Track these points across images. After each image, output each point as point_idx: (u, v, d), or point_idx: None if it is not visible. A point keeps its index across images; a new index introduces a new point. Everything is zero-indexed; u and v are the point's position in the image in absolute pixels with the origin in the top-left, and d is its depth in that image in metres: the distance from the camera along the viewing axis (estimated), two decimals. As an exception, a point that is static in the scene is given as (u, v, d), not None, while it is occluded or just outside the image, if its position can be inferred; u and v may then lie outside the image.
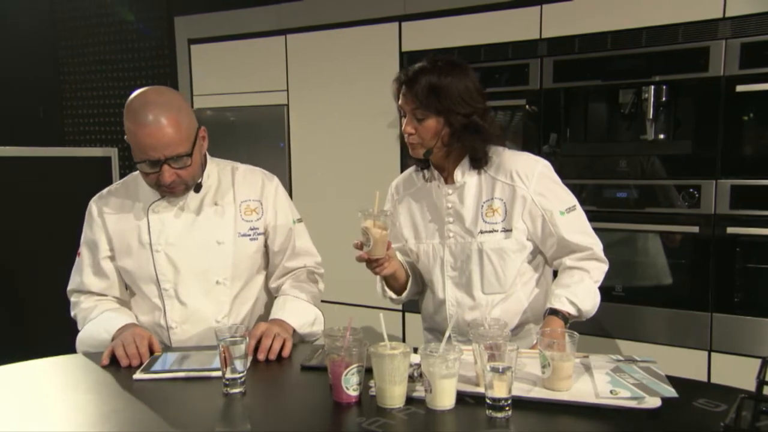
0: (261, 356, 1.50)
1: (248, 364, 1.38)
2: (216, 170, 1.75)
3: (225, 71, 3.33)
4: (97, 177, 3.20)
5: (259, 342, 1.53)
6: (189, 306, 1.68)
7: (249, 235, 1.72)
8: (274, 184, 1.80)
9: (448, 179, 1.69)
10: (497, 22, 2.69)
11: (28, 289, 2.94)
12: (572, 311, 1.56)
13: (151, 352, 1.54)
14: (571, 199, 1.65)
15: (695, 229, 2.37)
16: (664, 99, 2.44)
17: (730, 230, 2.31)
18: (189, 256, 1.67)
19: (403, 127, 1.63)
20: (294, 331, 1.64)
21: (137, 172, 1.70)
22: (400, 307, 2.99)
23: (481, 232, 1.64)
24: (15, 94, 4.01)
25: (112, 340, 1.58)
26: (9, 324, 2.84)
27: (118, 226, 1.71)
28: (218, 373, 1.35)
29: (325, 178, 3.11)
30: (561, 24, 2.56)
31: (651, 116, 2.45)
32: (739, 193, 2.30)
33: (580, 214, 1.66)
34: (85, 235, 1.76)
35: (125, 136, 1.58)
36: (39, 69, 4.24)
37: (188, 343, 1.68)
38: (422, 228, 1.74)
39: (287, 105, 3.24)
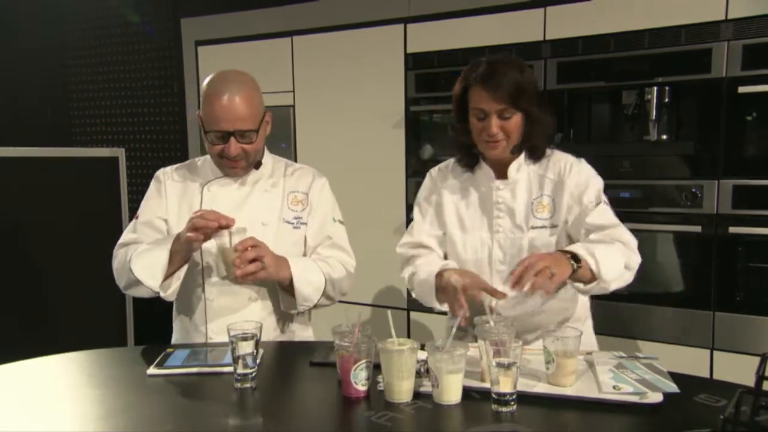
0: (237, 265, 1.56)
1: (259, 359, 1.41)
2: (271, 161, 1.84)
3: None
4: (105, 177, 3.23)
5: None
6: (227, 282, 1.72)
7: (292, 223, 1.78)
8: (322, 181, 1.87)
9: (500, 175, 1.68)
10: (501, 23, 2.72)
11: (36, 288, 2.98)
12: (586, 257, 1.46)
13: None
14: (605, 197, 1.64)
15: (698, 228, 2.39)
16: (666, 100, 2.46)
17: (732, 230, 2.33)
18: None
19: (490, 129, 1.57)
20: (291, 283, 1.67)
21: (198, 158, 1.85)
22: (405, 305, 3.02)
23: (532, 227, 1.64)
24: (22, 95, 4.04)
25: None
26: (18, 323, 2.87)
27: (176, 200, 1.78)
28: (230, 369, 1.38)
29: (330, 179, 3.13)
30: (564, 26, 2.59)
31: (654, 117, 2.47)
32: (741, 193, 2.32)
33: (610, 210, 1.63)
34: (147, 198, 1.81)
35: (198, 112, 1.70)
36: (46, 70, 4.28)
37: (223, 319, 1.71)
38: (468, 220, 1.71)
39: (293, 106, 3.27)
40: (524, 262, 1.40)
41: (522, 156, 1.66)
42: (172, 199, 1.78)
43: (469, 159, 1.71)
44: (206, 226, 1.55)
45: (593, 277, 1.49)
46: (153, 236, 1.74)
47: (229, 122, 1.62)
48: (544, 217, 1.64)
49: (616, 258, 1.51)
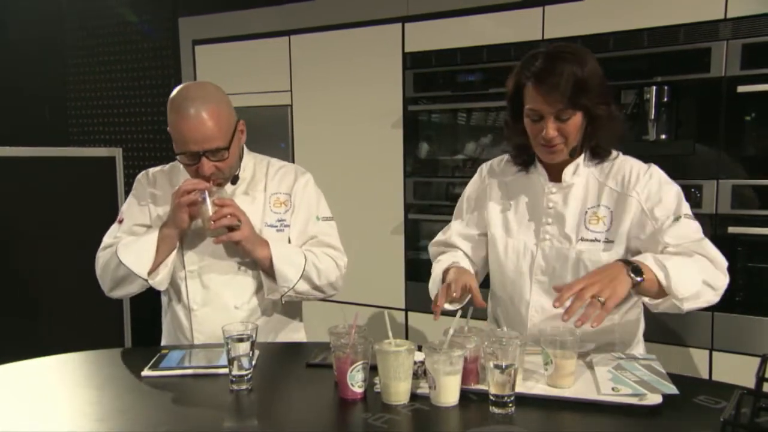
0: (213, 219, 1.58)
1: (255, 361, 1.40)
2: (252, 163, 1.80)
3: (229, 72, 3.35)
4: (102, 177, 3.23)
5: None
6: (211, 289, 1.72)
7: (276, 226, 1.75)
8: (305, 179, 1.82)
9: (555, 177, 1.54)
10: (500, 22, 2.71)
11: (33, 289, 2.97)
12: (655, 269, 1.31)
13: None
14: (687, 208, 1.47)
15: (697, 228, 2.38)
16: (665, 99, 2.45)
17: (732, 230, 2.32)
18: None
19: (546, 133, 1.42)
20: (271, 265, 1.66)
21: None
22: (403, 306, 3.01)
23: (582, 239, 1.49)
24: (20, 95, 4.03)
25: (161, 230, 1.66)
26: (15, 323, 2.86)
27: (158, 206, 1.76)
28: (225, 370, 1.37)
29: (328, 179, 3.12)
30: (563, 25, 2.58)
31: (653, 117, 2.46)
32: (740, 193, 2.31)
33: (695, 225, 1.46)
34: (129, 203, 1.79)
35: (168, 128, 1.63)
36: (44, 69, 4.26)
37: (208, 326, 1.71)
38: (514, 223, 1.58)
39: (291, 105, 3.26)
40: (572, 287, 1.26)
41: (582, 157, 1.51)
42: (154, 205, 1.77)
43: (524, 158, 1.57)
44: (193, 187, 1.57)
45: (663, 292, 1.33)
46: None
47: (197, 143, 1.56)
48: (598, 230, 1.48)
49: (692, 272, 1.34)
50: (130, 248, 1.65)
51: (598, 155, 1.51)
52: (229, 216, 1.59)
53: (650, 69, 2.44)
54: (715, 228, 2.35)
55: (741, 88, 2.26)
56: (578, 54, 1.43)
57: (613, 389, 1.24)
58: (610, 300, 1.24)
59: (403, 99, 2.95)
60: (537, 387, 1.28)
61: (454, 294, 1.43)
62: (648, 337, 2.50)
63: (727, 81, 2.29)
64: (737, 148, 2.33)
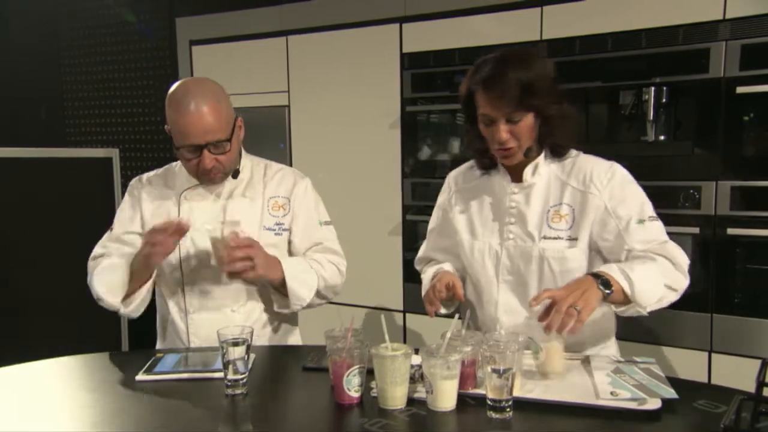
0: (224, 268, 1.55)
1: (250, 365, 1.39)
2: (249, 165, 1.79)
3: (226, 72, 3.34)
4: (99, 177, 3.22)
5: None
6: (207, 293, 1.70)
7: (274, 229, 1.73)
8: (304, 183, 1.81)
9: (517, 177, 1.57)
10: (498, 23, 2.70)
11: (29, 289, 2.95)
12: (620, 280, 1.35)
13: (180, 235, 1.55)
14: (650, 209, 1.50)
15: (696, 230, 2.37)
16: (664, 100, 2.44)
17: (731, 231, 2.31)
18: None
19: (498, 135, 1.45)
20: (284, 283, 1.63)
21: (175, 162, 1.77)
22: (401, 307, 3.00)
23: (545, 237, 1.51)
24: (17, 95, 4.02)
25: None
26: (10, 324, 2.85)
27: (152, 211, 1.74)
28: (220, 374, 1.36)
29: (326, 179, 3.11)
30: (561, 25, 2.57)
31: (651, 117, 2.46)
32: (739, 194, 2.30)
33: (659, 226, 1.49)
34: (121, 211, 1.78)
35: (166, 126, 1.62)
36: (41, 69, 4.25)
37: (204, 330, 1.70)
38: (479, 225, 1.62)
39: (288, 106, 3.25)
40: (549, 290, 1.32)
41: (541, 156, 1.54)
42: (147, 212, 1.75)
43: (486, 161, 1.60)
44: (164, 241, 1.52)
45: (628, 300, 1.38)
46: (121, 251, 1.70)
47: (198, 136, 1.55)
48: (560, 228, 1.51)
49: (655, 279, 1.39)
50: (103, 277, 1.63)
51: (557, 153, 1.55)
52: (242, 259, 1.54)
53: (649, 69, 2.43)
54: (714, 229, 2.34)
55: (740, 89, 2.25)
56: (524, 57, 1.46)
57: (611, 393, 1.23)
58: (584, 311, 1.29)
59: (401, 99, 2.94)
60: (535, 391, 1.27)
61: (441, 294, 1.50)
62: (646, 339, 2.50)
63: (726, 82, 2.28)
64: (736, 149, 2.32)
